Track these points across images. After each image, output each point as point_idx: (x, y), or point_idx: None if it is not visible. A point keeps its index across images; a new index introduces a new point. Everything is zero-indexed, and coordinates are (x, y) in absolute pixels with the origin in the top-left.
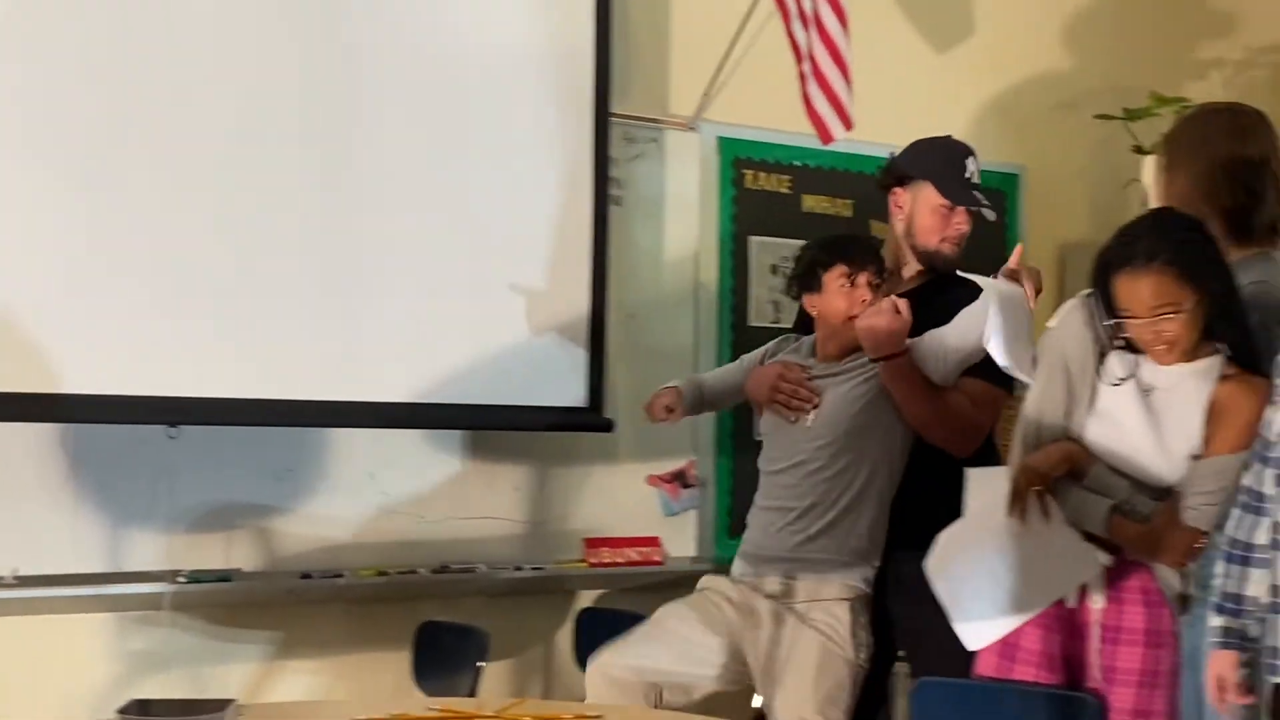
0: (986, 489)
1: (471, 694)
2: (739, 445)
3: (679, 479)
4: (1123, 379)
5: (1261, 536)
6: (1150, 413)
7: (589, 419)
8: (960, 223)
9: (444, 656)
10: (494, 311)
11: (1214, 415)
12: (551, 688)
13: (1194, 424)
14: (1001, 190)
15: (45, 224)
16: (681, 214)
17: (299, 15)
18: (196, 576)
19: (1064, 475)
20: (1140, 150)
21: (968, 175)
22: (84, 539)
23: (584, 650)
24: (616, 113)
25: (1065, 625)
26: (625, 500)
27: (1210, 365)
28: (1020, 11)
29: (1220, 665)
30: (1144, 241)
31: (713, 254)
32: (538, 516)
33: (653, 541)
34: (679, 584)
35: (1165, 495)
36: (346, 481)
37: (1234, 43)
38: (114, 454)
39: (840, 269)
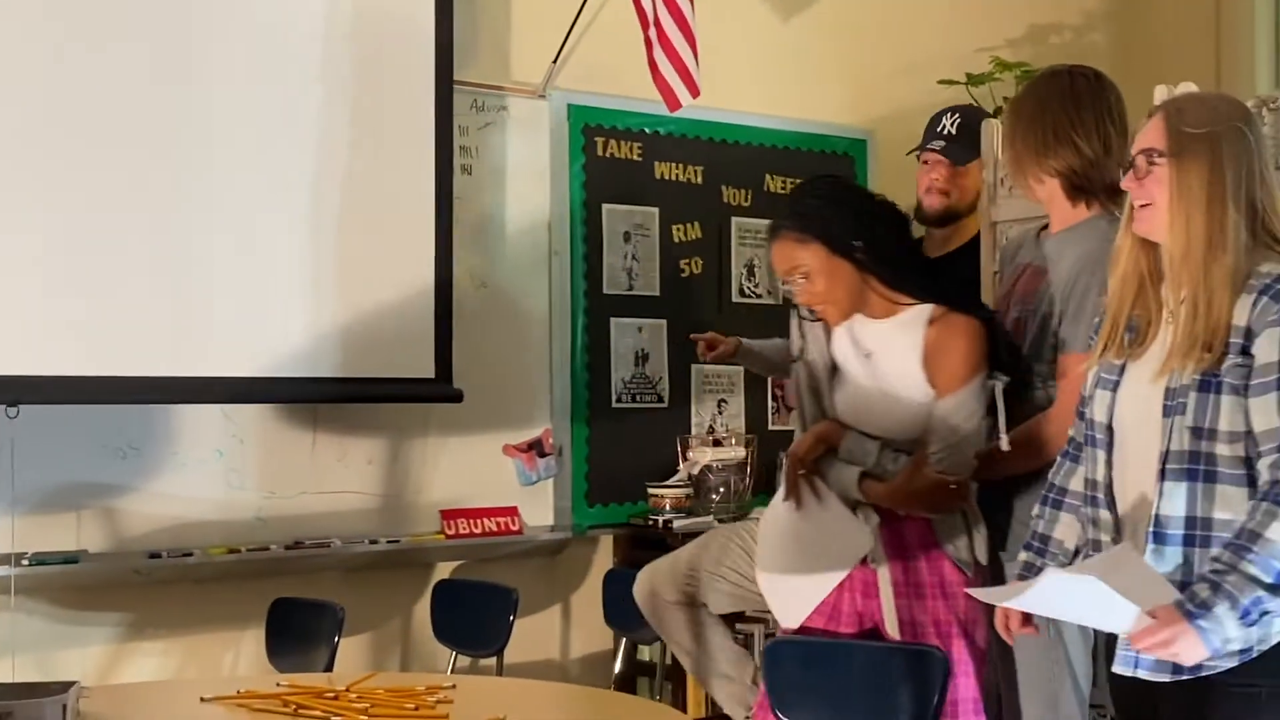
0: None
1: (328, 669)
2: (595, 412)
3: (535, 448)
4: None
5: (1075, 483)
6: (873, 373)
7: (438, 390)
8: (928, 173)
9: (298, 633)
10: (338, 283)
11: (928, 360)
12: (410, 660)
13: (914, 374)
14: (850, 154)
15: None
16: (533, 182)
17: None
18: (41, 559)
19: (825, 453)
20: (998, 113)
21: (939, 129)
22: None
23: (442, 622)
24: (463, 81)
25: (860, 584)
26: (482, 471)
27: (915, 315)
28: None
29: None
30: (779, 217)
31: (565, 222)
32: (392, 489)
33: (511, 511)
34: (538, 552)
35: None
36: (194, 459)
37: (1073, 8)
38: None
39: None
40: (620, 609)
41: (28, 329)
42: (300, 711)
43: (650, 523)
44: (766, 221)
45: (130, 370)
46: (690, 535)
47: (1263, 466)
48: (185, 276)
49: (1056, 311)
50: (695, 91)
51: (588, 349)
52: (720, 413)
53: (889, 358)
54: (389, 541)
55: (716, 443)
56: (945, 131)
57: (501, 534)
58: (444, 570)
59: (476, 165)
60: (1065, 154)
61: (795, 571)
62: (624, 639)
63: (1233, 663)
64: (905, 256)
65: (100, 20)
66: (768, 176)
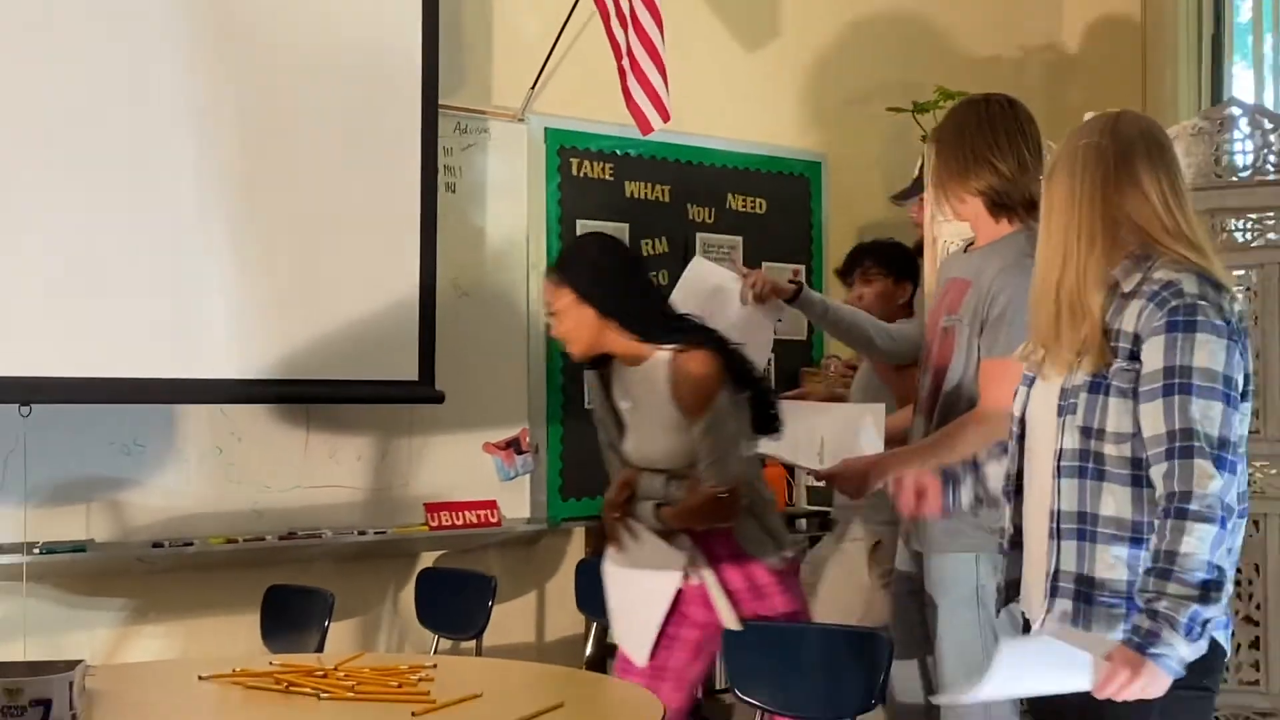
0: None
1: (319, 650)
2: (569, 413)
3: (513, 446)
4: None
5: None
6: (642, 417)
7: (421, 391)
8: (916, 215)
9: (291, 618)
10: (329, 291)
11: (675, 394)
12: (395, 643)
13: (669, 409)
14: (806, 175)
15: None
16: (513, 199)
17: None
18: (51, 548)
19: (630, 496)
20: (924, 137)
21: (918, 174)
22: None
23: (425, 608)
24: (447, 105)
25: (698, 598)
26: (463, 467)
27: (658, 358)
28: (820, 14)
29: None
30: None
31: (542, 236)
32: (380, 484)
33: (490, 505)
34: (515, 543)
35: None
36: (195, 455)
37: (1010, 43)
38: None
39: None
40: (591, 595)
41: (38, 334)
42: (292, 688)
43: None
44: (729, 237)
45: (134, 372)
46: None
47: (1155, 476)
48: (186, 284)
49: (979, 321)
50: (666, 116)
51: (562, 354)
52: None
53: (649, 400)
54: (376, 533)
55: None
56: (916, 174)
57: (481, 526)
58: (427, 559)
59: (460, 183)
60: (984, 174)
61: (629, 611)
62: (594, 623)
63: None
64: (646, 309)
65: (108, 34)
66: (730, 196)
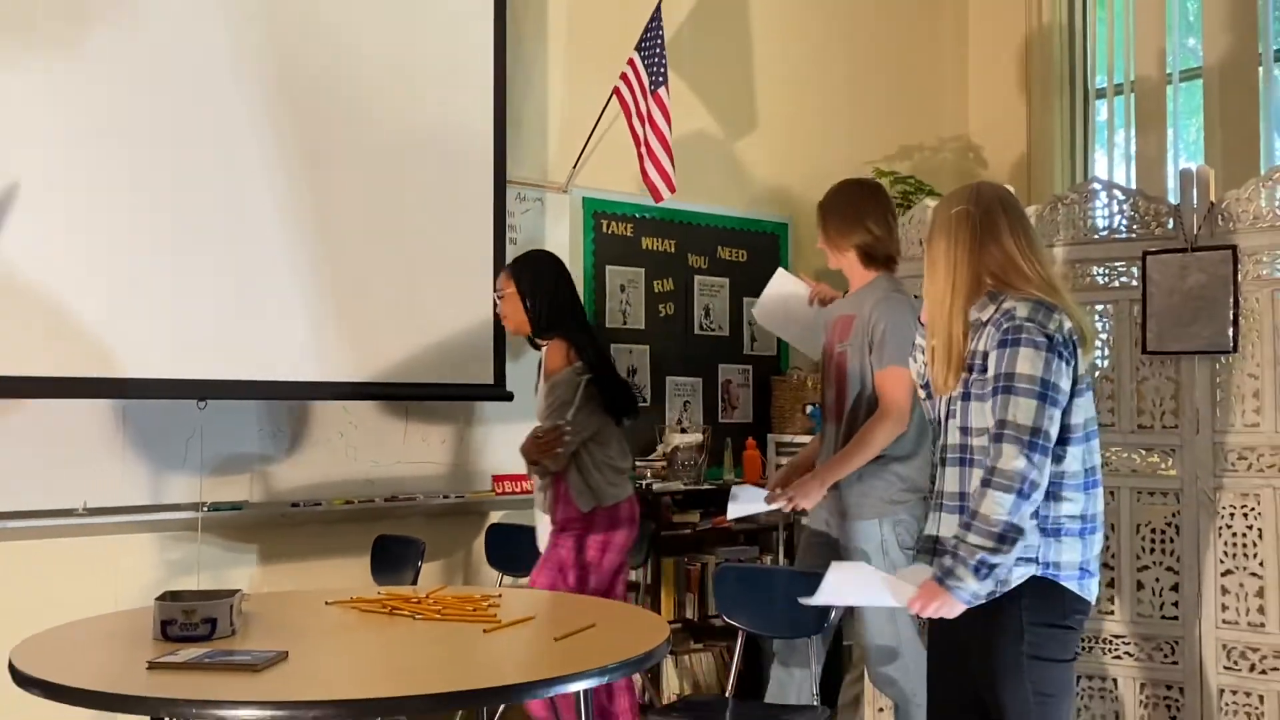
0: None
1: (413, 584)
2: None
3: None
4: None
5: (948, 486)
6: (539, 381)
7: (495, 392)
8: None
9: (393, 560)
10: (426, 317)
11: (544, 368)
12: (469, 580)
13: (540, 379)
14: (776, 234)
15: (123, 265)
16: (558, 250)
17: (297, 112)
18: (217, 507)
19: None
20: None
21: None
22: (137, 481)
23: (493, 553)
24: (512, 179)
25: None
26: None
27: (546, 344)
28: (785, 114)
29: None
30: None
31: (580, 277)
32: (459, 460)
33: None
34: None
35: None
36: (323, 438)
37: (929, 133)
38: (159, 418)
39: None
40: None
41: (211, 347)
42: (394, 611)
43: (637, 485)
44: (720, 279)
45: (280, 376)
46: (665, 494)
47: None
48: (319, 310)
49: (866, 343)
50: (672, 189)
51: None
52: (685, 410)
53: (539, 372)
54: (456, 497)
55: (683, 431)
56: None
57: (533, 493)
58: (494, 516)
59: (519, 237)
60: (860, 234)
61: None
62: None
63: (986, 598)
64: (556, 310)
65: (280, 145)
66: (719, 248)
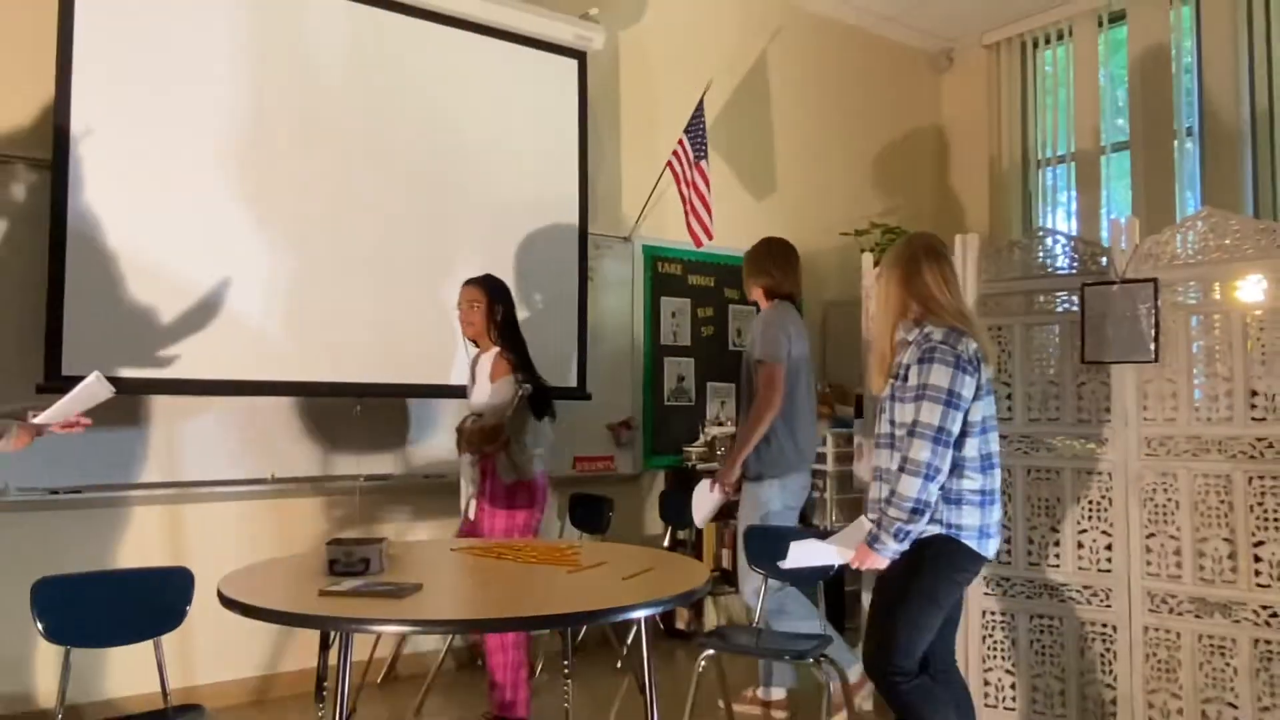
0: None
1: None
2: (655, 407)
3: (624, 425)
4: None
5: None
6: (477, 380)
7: (578, 393)
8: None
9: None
10: (532, 337)
11: (491, 371)
12: (558, 534)
13: (485, 379)
14: None
15: (301, 295)
16: (625, 285)
17: (433, 181)
18: (370, 477)
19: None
20: (863, 250)
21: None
22: (311, 457)
23: (575, 515)
24: (591, 232)
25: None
26: (596, 437)
27: (492, 351)
28: (799, 175)
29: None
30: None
31: (641, 307)
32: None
33: (609, 458)
34: (624, 480)
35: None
36: (446, 426)
37: (909, 194)
38: (327, 410)
39: None
40: (668, 510)
41: (364, 358)
42: (500, 556)
43: (684, 465)
44: (749, 307)
45: (418, 380)
46: (706, 474)
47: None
48: (450, 330)
49: (754, 347)
50: (710, 237)
51: (651, 373)
52: (721, 408)
53: (482, 373)
54: (550, 474)
55: (719, 424)
56: None
57: (605, 470)
58: (577, 487)
59: (596, 276)
60: (763, 277)
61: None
62: (670, 527)
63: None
64: (507, 325)
65: (410, 204)
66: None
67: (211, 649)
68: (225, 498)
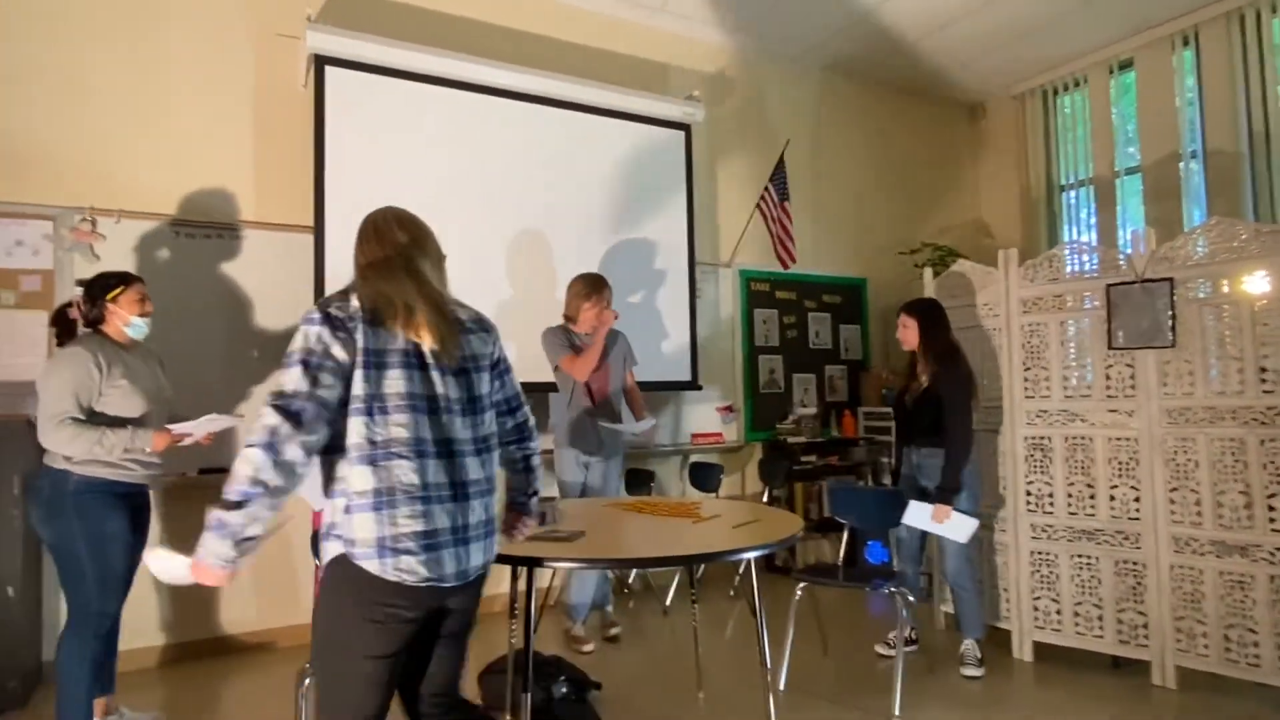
0: None
1: (648, 495)
2: (754, 394)
3: (728, 409)
4: None
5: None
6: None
7: (691, 384)
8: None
9: (639, 482)
10: (657, 345)
11: None
12: (680, 494)
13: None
14: (858, 286)
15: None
16: (726, 302)
17: (580, 223)
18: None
19: None
20: (918, 266)
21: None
22: None
23: (694, 478)
24: (698, 261)
25: None
26: (707, 417)
27: None
28: (863, 209)
29: None
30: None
31: (739, 317)
32: (673, 425)
33: (719, 435)
34: (730, 451)
35: None
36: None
37: (954, 217)
38: None
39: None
40: (766, 473)
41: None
42: (640, 510)
43: (776, 439)
44: (824, 314)
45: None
46: (795, 444)
47: None
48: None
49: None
50: (794, 260)
51: (749, 367)
52: (805, 393)
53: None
54: (672, 446)
55: (804, 406)
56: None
57: (716, 443)
58: (694, 457)
59: (703, 295)
60: (569, 306)
61: None
62: (767, 486)
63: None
64: None
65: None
66: (823, 294)
67: None
68: None
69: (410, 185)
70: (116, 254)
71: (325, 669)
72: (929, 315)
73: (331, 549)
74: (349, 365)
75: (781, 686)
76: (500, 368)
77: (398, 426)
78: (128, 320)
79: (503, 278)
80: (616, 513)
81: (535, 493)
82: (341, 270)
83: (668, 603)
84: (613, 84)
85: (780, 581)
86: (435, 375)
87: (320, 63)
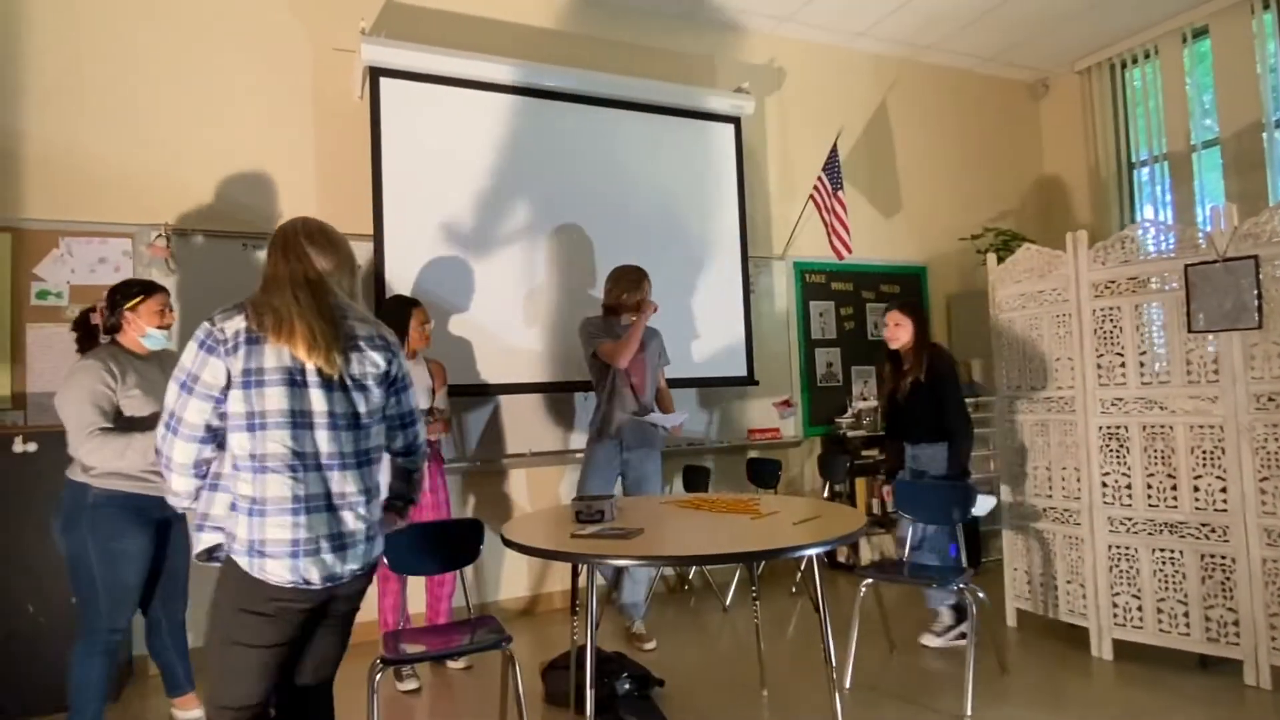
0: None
1: (705, 492)
2: (811, 388)
3: (786, 403)
4: None
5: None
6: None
7: (748, 380)
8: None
9: (697, 480)
10: (713, 341)
11: (431, 375)
12: (738, 490)
13: (425, 380)
14: (918, 275)
15: (541, 317)
16: (780, 296)
17: (641, 224)
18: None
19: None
20: (980, 252)
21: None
22: (555, 437)
23: (752, 474)
24: (752, 255)
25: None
26: (764, 412)
27: (420, 360)
28: (920, 195)
29: None
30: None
31: (795, 310)
32: (730, 421)
33: (776, 430)
34: (788, 446)
35: None
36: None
37: (1013, 199)
38: (564, 403)
39: None
40: (825, 468)
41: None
42: (698, 506)
43: (836, 433)
44: (882, 304)
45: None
46: (855, 438)
47: None
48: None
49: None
50: (850, 250)
51: (806, 361)
52: (865, 386)
53: (418, 375)
54: (730, 443)
55: (864, 399)
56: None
57: (772, 439)
58: (752, 453)
59: (758, 288)
60: (607, 297)
61: None
62: (827, 481)
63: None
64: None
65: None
66: (880, 284)
67: (493, 576)
68: (499, 470)
69: (462, 188)
70: (190, 268)
71: (212, 656)
72: (920, 314)
73: (205, 540)
74: (221, 388)
75: (847, 685)
76: (398, 385)
77: (274, 442)
78: (144, 331)
79: (552, 278)
80: (674, 510)
81: (411, 501)
82: (401, 274)
83: (728, 600)
84: (660, 79)
85: (842, 578)
86: (318, 392)
87: (375, 74)
